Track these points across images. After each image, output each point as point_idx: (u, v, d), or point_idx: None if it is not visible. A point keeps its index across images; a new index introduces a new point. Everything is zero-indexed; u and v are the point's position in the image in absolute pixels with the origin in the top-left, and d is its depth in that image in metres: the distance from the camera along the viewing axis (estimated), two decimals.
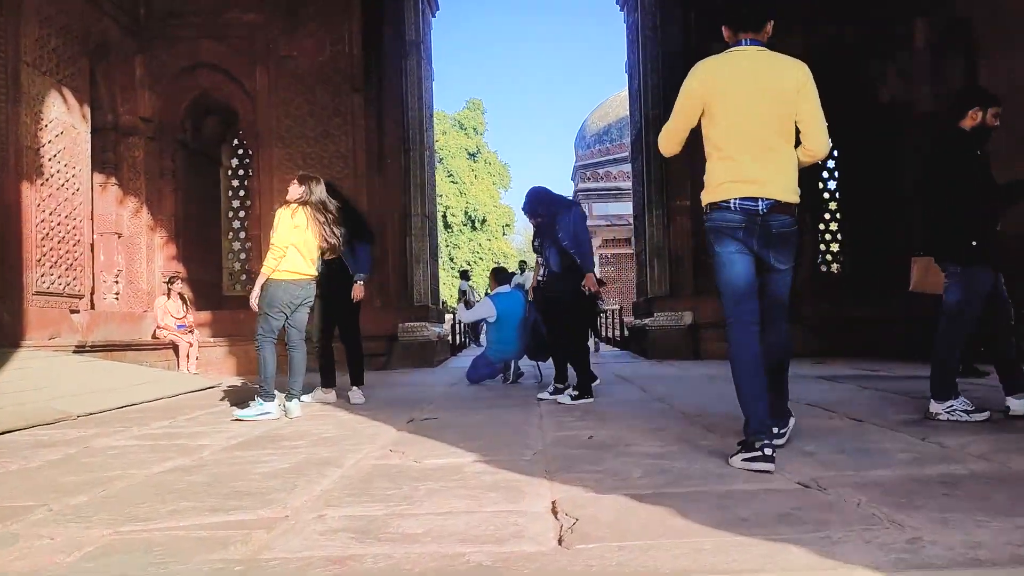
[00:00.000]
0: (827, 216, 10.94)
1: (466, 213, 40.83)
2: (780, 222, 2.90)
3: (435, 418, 4.50)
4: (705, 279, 9.67)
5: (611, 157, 23.07)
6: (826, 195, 10.94)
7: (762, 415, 2.78)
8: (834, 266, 11.08)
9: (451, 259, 40.40)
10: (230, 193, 11.86)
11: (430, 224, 10.83)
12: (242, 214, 11.48)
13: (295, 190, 4.99)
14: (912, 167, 9.77)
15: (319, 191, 4.93)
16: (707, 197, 3.00)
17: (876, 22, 9.77)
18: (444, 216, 39.80)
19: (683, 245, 9.93)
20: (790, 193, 2.90)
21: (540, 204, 5.60)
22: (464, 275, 18.13)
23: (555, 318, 5.58)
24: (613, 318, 13.93)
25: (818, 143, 2.94)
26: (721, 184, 2.93)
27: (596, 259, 22.08)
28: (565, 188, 34.78)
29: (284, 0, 10.05)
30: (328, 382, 5.63)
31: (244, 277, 11.05)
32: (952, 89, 9.40)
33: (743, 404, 2.83)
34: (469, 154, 42.02)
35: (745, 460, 2.72)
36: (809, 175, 9.90)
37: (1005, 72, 8.02)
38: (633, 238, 12.57)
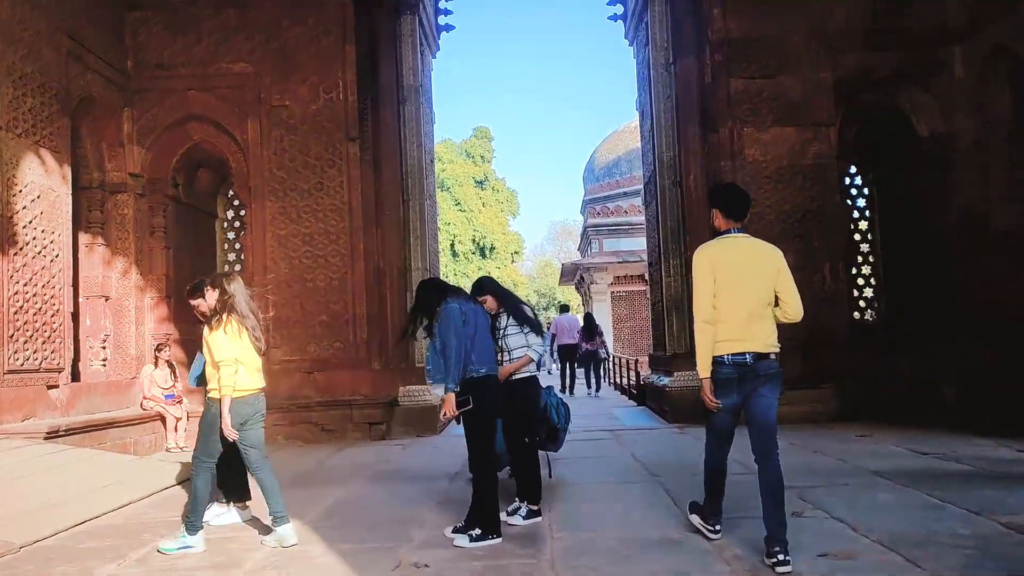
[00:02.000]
0: (859, 259, 10.24)
1: (474, 241, 40.41)
2: (765, 366, 3.71)
3: (426, 566, 3.80)
4: None
5: (621, 191, 22.47)
6: (857, 236, 10.24)
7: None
8: (868, 313, 10.36)
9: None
10: (226, 246, 11.35)
11: (432, 276, 10.21)
12: (238, 267, 10.94)
13: (210, 297, 4.43)
14: (956, 204, 9.12)
15: (238, 290, 4.34)
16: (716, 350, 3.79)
17: (910, 50, 9.10)
18: (452, 244, 39.39)
19: None
20: (770, 346, 3.73)
21: (420, 297, 4.69)
22: None
23: (472, 433, 4.43)
24: (628, 367, 13.24)
25: (794, 309, 3.78)
26: (719, 342, 3.74)
27: (608, 297, 21.40)
28: (575, 221, 34.09)
29: (276, 48, 9.55)
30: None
31: None
32: (997, 121, 8.78)
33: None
34: (477, 182, 41.65)
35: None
36: (837, 217, 9.25)
37: None
38: (648, 286, 11.95)
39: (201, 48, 9.59)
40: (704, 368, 3.75)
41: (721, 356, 3.68)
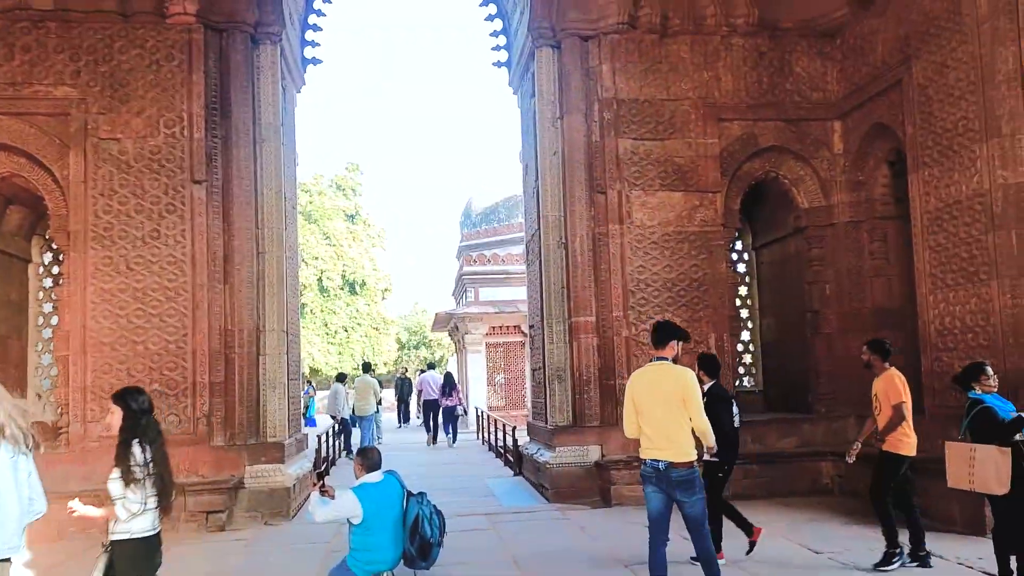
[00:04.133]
0: (739, 324, 9.98)
1: (343, 277, 38.89)
2: (678, 473, 4.57)
3: None
4: (613, 407, 8.39)
5: (499, 238, 21.85)
6: (737, 301, 9.96)
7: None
8: (747, 380, 10.11)
9: (326, 324, 38.21)
10: (40, 295, 9.76)
11: (291, 339, 9.08)
12: (55, 320, 9.39)
13: None
14: (830, 278, 9.08)
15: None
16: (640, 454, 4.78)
17: (791, 123, 9.01)
18: (320, 280, 37.78)
19: (588, 366, 8.62)
20: (682, 455, 4.58)
21: None
22: (340, 378, 16.23)
23: None
24: (503, 430, 12.43)
25: (699, 426, 4.65)
26: (643, 448, 4.74)
27: (483, 348, 20.67)
28: (449, 266, 33.56)
29: (105, 72, 8.22)
30: None
31: (53, 400, 8.91)
32: (874, 199, 8.72)
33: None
34: (347, 216, 40.24)
35: None
36: (723, 286, 8.87)
37: (943, 188, 7.24)
38: (528, 350, 11.25)
39: (13, 66, 8.11)
40: None
41: (645, 460, 4.69)
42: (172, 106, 8.32)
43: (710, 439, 4.75)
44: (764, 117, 8.97)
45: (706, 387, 6.02)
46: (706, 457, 5.39)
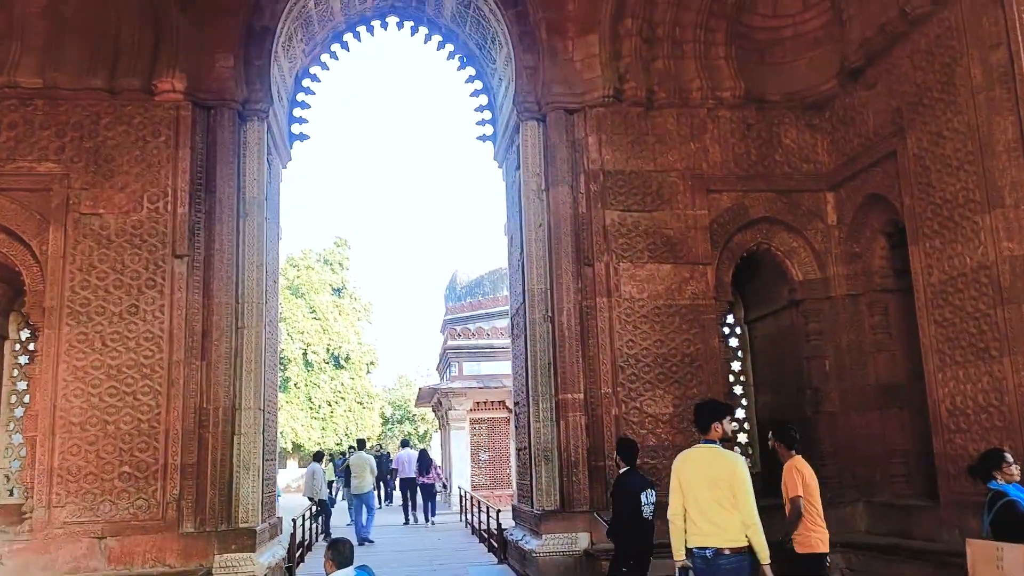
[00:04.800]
0: (734, 402, 9.72)
1: (328, 350, 38.56)
2: (726, 560, 4.51)
3: None
4: (603, 490, 8.06)
5: (484, 311, 21.74)
6: (731, 377, 9.73)
7: None
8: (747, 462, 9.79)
9: (310, 399, 37.67)
10: (15, 373, 9.45)
11: (268, 418, 8.78)
12: (28, 398, 9.06)
13: None
14: (828, 353, 8.87)
15: None
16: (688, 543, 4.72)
17: (783, 194, 8.91)
18: (305, 353, 37.46)
19: (577, 446, 8.31)
20: (730, 542, 4.51)
21: None
22: (317, 457, 15.79)
23: None
24: (489, 513, 11.97)
25: (745, 514, 4.53)
26: (689, 536, 4.67)
27: (466, 424, 20.29)
28: (434, 340, 33.39)
29: (91, 147, 8.16)
30: None
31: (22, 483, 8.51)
32: (871, 271, 8.60)
33: None
34: (334, 290, 40.19)
35: None
36: (716, 362, 8.68)
37: (945, 260, 7.09)
38: (513, 428, 10.96)
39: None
40: (676, 553, 4.74)
41: (690, 548, 4.62)
42: (156, 181, 8.23)
43: (757, 537, 4.54)
44: (754, 188, 8.87)
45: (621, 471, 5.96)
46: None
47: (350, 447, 23.29)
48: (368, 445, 33.70)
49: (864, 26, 8.10)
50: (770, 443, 5.93)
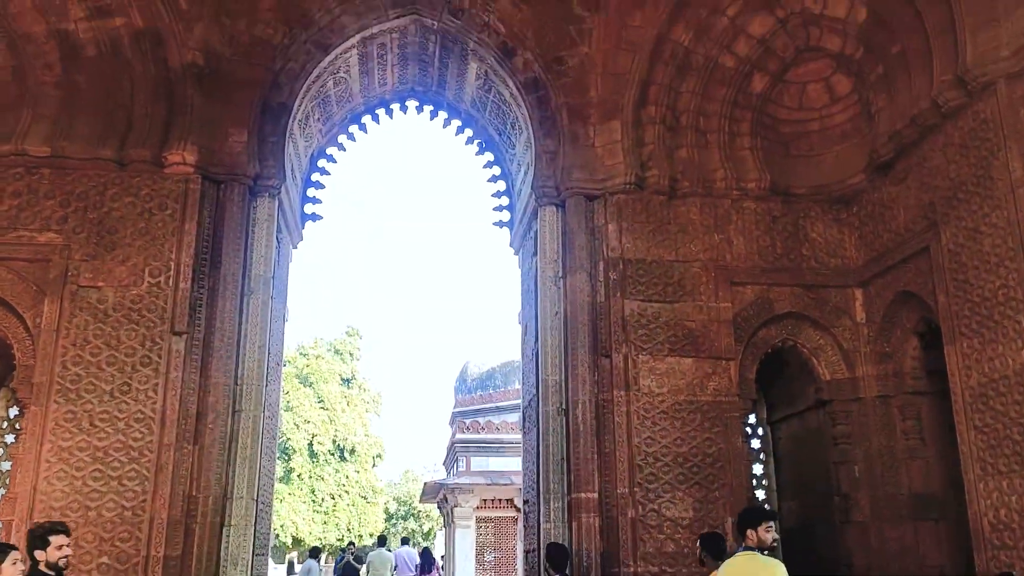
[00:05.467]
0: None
1: (334, 442, 37.75)
2: None
3: None
4: None
5: (494, 405, 21.18)
6: (752, 480, 9.13)
7: None
8: None
9: (313, 492, 36.64)
10: (2, 452, 8.99)
11: (261, 508, 8.22)
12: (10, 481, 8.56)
13: None
14: (858, 459, 8.34)
15: None
16: None
17: (809, 288, 8.55)
18: (311, 444, 36.68)
19: (589, 551, 7.70)
20: None
21: None
22: (313, 553, 15.05)
23: None
24: None
25: None
26: None
27: (472, 522, 19.43)
28: (442, 433, 32.64)
29: (95, 218, 7.93)
30: None
31: None
32: (903, 372, 8.15)
33: None
34: (343, 379, 39.68)
35: None
36: (739, 464, 8.13)
37: (985, 362, 6.64)
38: (521, 528, 10.31)
39: (1, 211, 7.84)
40: None
41: None
42: (160, 255, 7.96)
43: None
44: (779, 282, 8.52)
45: None
46: None
47: (350, 543, 22.46)
48: (370, 542, 32.50)
49: (893, 119, 7.91)
50: (698, 552, 5.76)
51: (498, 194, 10.41)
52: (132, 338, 7.73)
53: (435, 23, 8.85)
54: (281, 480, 33.82)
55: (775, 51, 8.73)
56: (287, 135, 8.54)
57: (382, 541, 15.33)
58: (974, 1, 6.76)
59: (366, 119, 10.13)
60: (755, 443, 9.49)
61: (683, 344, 8.20)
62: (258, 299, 8.29)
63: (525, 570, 9.75)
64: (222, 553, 7.56)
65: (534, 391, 8.84)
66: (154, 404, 7.58)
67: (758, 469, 9.51)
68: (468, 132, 10.28)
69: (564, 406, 8.18)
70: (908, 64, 7.72)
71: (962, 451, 6.88)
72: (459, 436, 20.95)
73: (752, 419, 9.57)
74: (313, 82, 8.75)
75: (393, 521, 45.62)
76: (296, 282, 9.69)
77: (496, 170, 10.39)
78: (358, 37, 8.73)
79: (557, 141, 8.69)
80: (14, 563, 4.73)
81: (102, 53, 8.18)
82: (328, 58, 8.66)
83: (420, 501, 31.35)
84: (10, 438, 9.06)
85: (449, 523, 21.66)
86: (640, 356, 8.12)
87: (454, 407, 23.24)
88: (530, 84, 8.80)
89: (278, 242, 8.88)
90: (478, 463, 20.25)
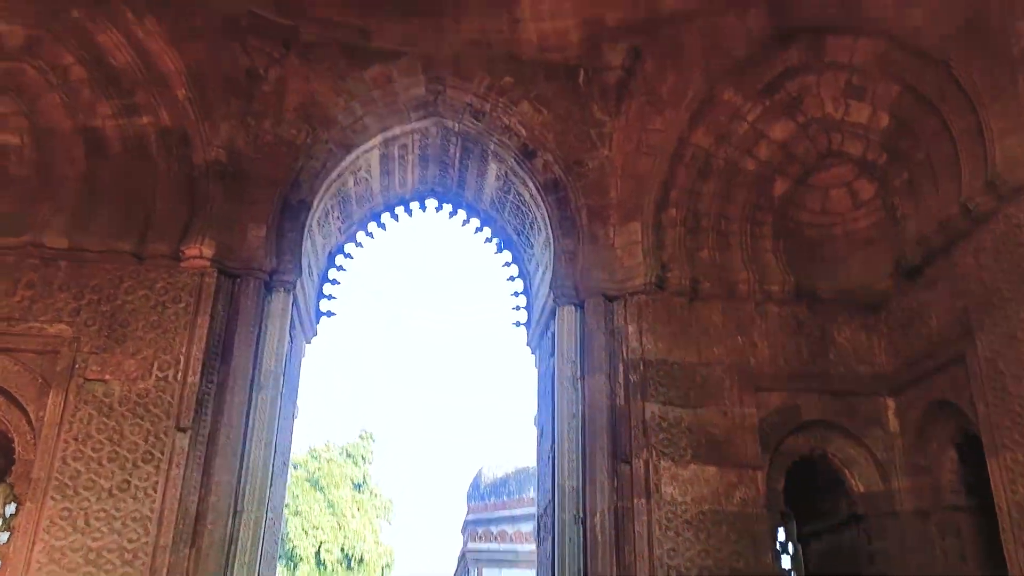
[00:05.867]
0: None
1: (343, 550, 36.56)
2: None
3: None
4: None
5: (508, 513, 20.45)
6: None
7: None
8: None
9: None
10: None
11: None
12: None
13: None
14: None
15: None
16: None
17: (838, 396, 8.23)
18: (318, 552, 35.51)
19: None
20: None
21: None
22: None
23: None
24: None
25: None
26: None
27: None
28: (454, 542, 31.63)
29: (107, 311, 7.84)
30: None
31: None
32: (941, 486, 7.69)
33: None
34: (355, 484, 38.79)
35: None
36: None
37: None
38: None
39: (12, 302, 7.77)
40: None
41: None
42: (170, 348, 7.82)
43: None
44: (807, 389, 8.20)
45: None
46: None
47: None
48: None
49: (921, 224, 7.78)
50: None
51: (516, 293, 10.29)
52: (136, 433, 7.50)
53: (456, 125, 8.97)
54: None
55: (796, 156, 8.72)
56: (305, 231, 8.52)
57: None
58: (1002, 107, 6.74)
59: (385, 217, 10.15)
60: (785, 561, 8.91)
61: (707, 450, 7.83)
62: (267, 395, 8.07)
63: None
64: None
65: (550, 497, 8.44)
66: (153, 503, 7.27)
67: None
68: (487, 231, 10.26)
69: (581, 515, 7.76)
70: (934, 169, 7.65)
71: (1012, 573, 6.38)
72: (471, 545, 20.17)
73: (782, 534, 9.03)
74: (334, 181, 8.80)
75: None
76: (309, 378, 9.49)
77: (514, 269, 10.31)
78: (380, 138, 8.85)
79: (576, 241, 8.61)
80: None
81: (127, 149, 8.30)
82: (350, 158, 8.74)
83: None
84: (4, 536, 8.74)
85: None
86: (662, 462, 7.75)
87: (467, 514, 22.49)
88: (550, 185, 8.82)
89: (291, 337, 8.74)
90: (490, 574, 19.38)
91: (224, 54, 8.47)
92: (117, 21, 7.96)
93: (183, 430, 7.55)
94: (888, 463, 8.04)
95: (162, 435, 7.52)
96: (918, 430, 7.86)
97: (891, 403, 8.20)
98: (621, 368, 8.10)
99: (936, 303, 7.63)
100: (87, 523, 7.16)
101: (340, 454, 39.16)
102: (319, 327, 9.89)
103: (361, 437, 40.53)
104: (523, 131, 8.82)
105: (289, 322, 8.52)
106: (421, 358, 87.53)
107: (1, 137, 8.22)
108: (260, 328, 8.21)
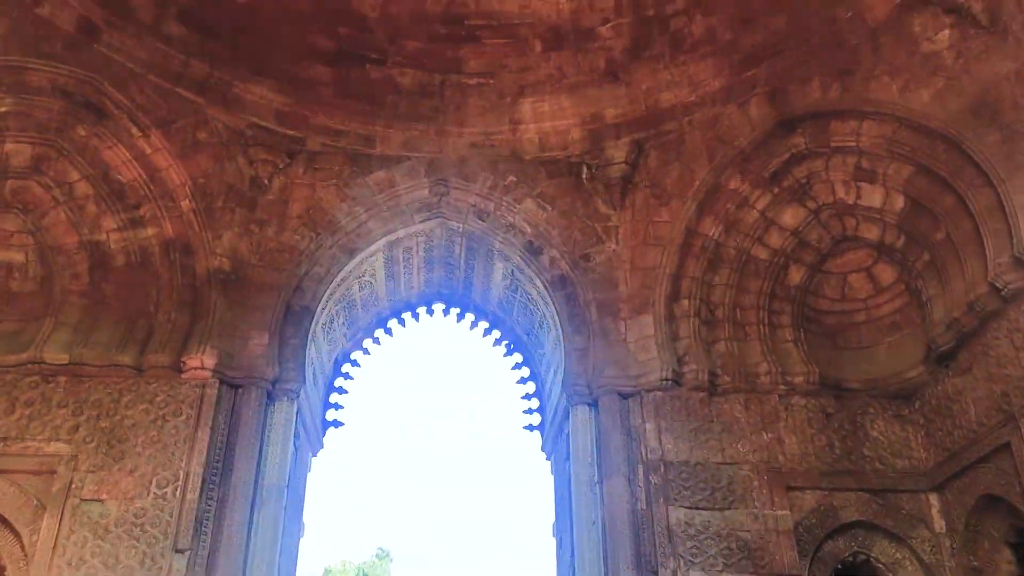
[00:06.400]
0: None
1: None
2: None
3: None
4: None
5: None
6: None
7: None
8: None
9: None
10: None
11: None
12: None
13: None
14: None
15: None
16: None
17: (876, 494, 7.67)
18: None
19: None
20: None
21: None
22: None
23: None
24: None
25: None
26: None
27: None
28: None
29: (106, 427, 7.60)
30: None
31: None
32: None
33: None
34: None
35: None
36: None
37: None
38: None
39: (10, 421, 7.57)
40: None
41: None
42: (169, 464, 7.52)
43: None
44: (842, 487, 7.64)
45: None
46: None
47: None
48: None
49: (949, 306, 7.40)
50: None
51: (527, 396, 9.94)
52: (131, 556, 7.11)
53: (461, 226, 8.90)
54: None
55: (810, 242, 8.49)
56: (309, 338, 8.34)
57: None
58: (1022, 180, 6.51)
59: (392, 323, 9.99)
60: None
61: (739, 558, 7.24)
62: (269, 512, 7.68)
63: None
64: None
65: None
66: None
67: None
68: (496, 333, 10.04)
69: None
70: (956, 248, 7.34)
71: None
72: None
73: None
74: (338, 286, 8.69)
75: None
76: (318, 492, 9.07)
77: (525, 371, 10.00)
78: (384, 241, 8.78)
79: (587, 338, 8.32)
80: None
81: (131, 262, 8.27)
82: (353, 262, 8.65)
83: None
84: None
85: None
86: (691, 572, 7.16)
87: None
88: (557, 281, 8.62)
89: (295, 449, 8.42)
90: None
91: (229, 165, 8.55)
92: (123, 137, 8.08)
93: (181, 551, 7.15)
94: (937, 566, 7.37)
95: (159, 557, 7.12)
96: (966, 529, 7.24)
97: (934, 500, 7.61)
98: (641, 470, 7.63)
99: (973, 389, 7.17)
100: None
101: (357, 575, 37.68)
102: (325, 438, 9.57)
103: (378, 557, 39.10)
104: (528, 228, 8.71)
105: (293, 433, 8.22)
106: (434, 466, 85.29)
107: (6, 255, 8.24)
108: (262, 440, 7.91)
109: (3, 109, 7.64)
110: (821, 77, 8.05)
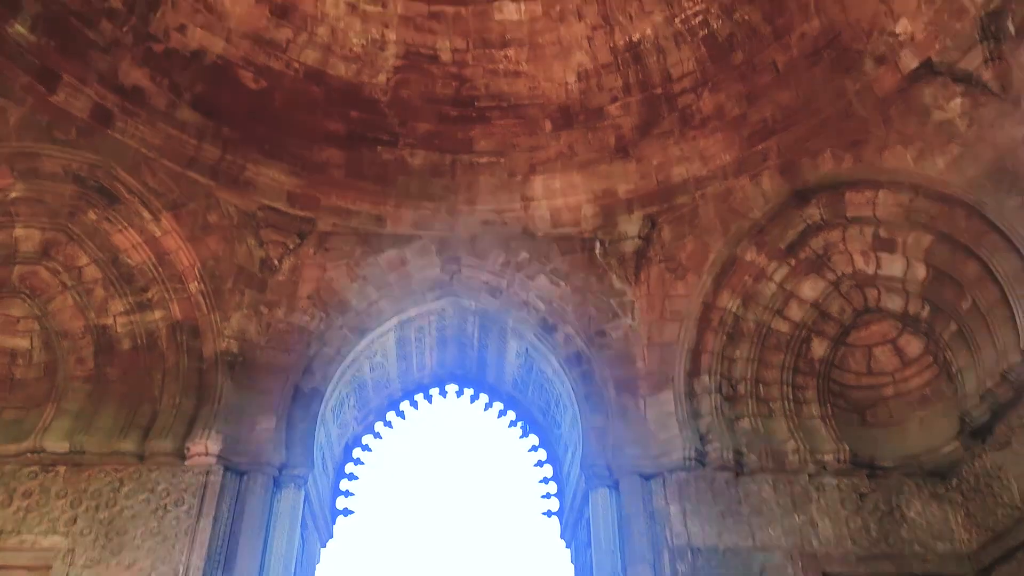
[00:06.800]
0: None
1: None
2: None
3: None
4: None
5: None
6: None
7: None
8: None
9: None
10: None
11: None
12: None
13: None
14: None
15: None
16: None
17: None
18: None
19: None
20: None
21: None
22: None
23: None
24: None
25: None
26: None
27: None
28: None
29: (104, 518, 7.26)
30: None
31: None
32: None
33: None
34: None
35: None
36: None
37: None
38: None
39: (7, 513, 7.24)
40: None
41: None
42: (169, 558, 7.14)
43: None
44: (881, 572, 7.16)
45: None
46: None
47: None
48: None
49: (981, 378, 7.11)
50: None
51: (545, 480, 9.52)
52: None
53: (473, 304, 8.74)
54: None
55: (832, 315, 8.27)
56: (318, 421, 8.06)
57: None
58: None
59: (404, 405, 9.69)
60: None
61: None
62: None
63: None
64: None
65: None
66: None
67: None
68: (511, 415, 9.72)
69: None
70: (984, 317, 7.10)
71: None
72: None
73: None
74: (348, 367, 8.46)
75: None
76: None
77: (542, 454, 9.62)
78: (395, 320, 8.61)
79: (605, 416, 8.02)
80: None
81: (137, 346, 8.10)
82: (364, 342, 8.46)
83: None
84: None
85: None
86: None
87: None
88: (573, 359, 8.38)
89: (303, 539, 8.03)
90: None
91: (239, 247, 8.49)
92: (133, 221, 8.05)
93: None
94: None
95: None
96: None
97: None
98: (667, 556, 7.18)
99: (1014, 464, 6.81)
100: None
101: None
102: (336, 527, 9.14)
103: None
104: (541, 305, 8.54)
105: (300, 522, 7.84)
106: (449, 555, 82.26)
107: (11, 342, 8.10)
108: (268, 530, 7.53)
109: (15, 195, 7.64)
110: (832, 148, 8.02)
